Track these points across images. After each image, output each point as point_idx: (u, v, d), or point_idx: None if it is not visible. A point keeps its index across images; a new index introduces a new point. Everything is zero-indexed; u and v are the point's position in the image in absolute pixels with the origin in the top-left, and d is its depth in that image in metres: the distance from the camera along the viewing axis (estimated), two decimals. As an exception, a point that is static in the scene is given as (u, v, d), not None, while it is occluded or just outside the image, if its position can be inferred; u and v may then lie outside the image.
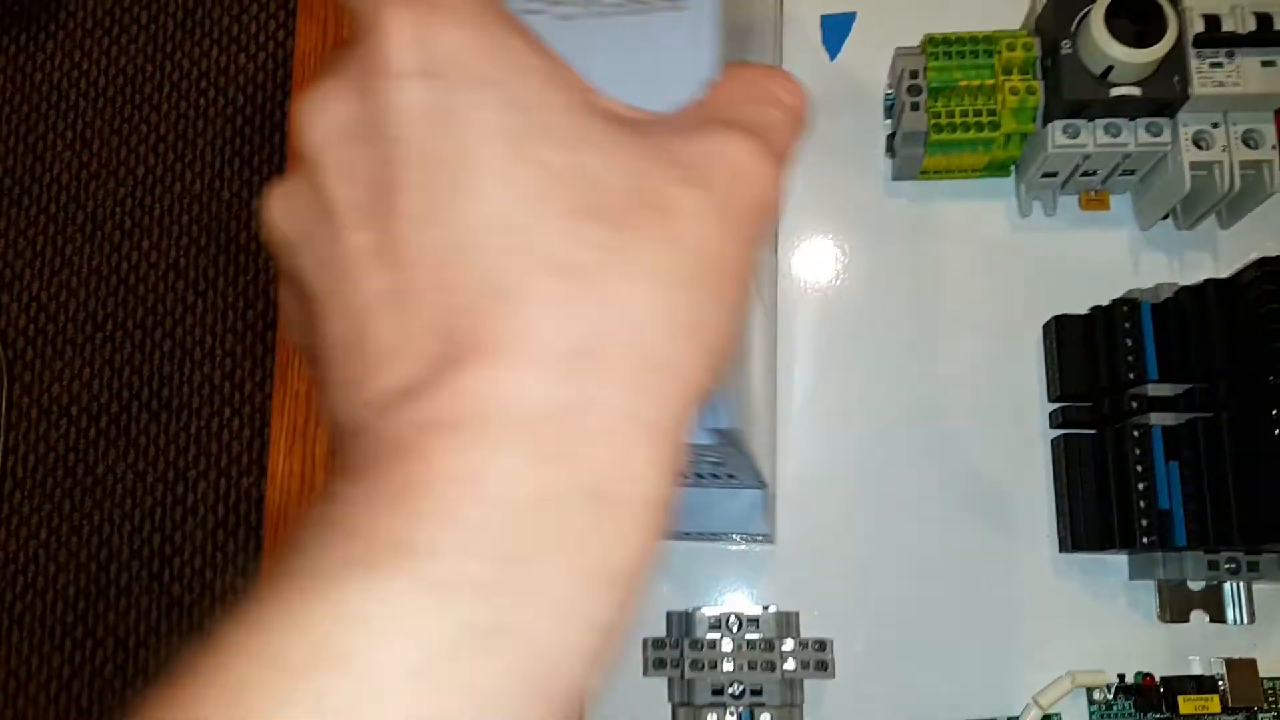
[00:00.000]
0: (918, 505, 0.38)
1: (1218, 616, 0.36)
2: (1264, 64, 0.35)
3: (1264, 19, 0.35)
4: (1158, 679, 0.36)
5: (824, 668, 0.35)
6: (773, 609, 0.36)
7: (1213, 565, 0.35)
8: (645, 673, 0.36)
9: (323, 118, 0.16)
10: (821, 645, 0.35)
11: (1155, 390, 0.35)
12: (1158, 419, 0.35)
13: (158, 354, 0.95)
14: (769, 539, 0.38)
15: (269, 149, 0.98)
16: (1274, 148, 0.36)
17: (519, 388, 0.14)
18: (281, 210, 0.17)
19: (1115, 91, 0.35)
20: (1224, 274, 0.40)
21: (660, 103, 0.21)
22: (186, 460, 0.93)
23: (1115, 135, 0.36)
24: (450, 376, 0.14)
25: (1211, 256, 0.40)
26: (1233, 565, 0.34)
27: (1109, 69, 0.34)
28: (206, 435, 0.94)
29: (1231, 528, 0.32)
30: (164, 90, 1.01)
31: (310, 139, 0.16)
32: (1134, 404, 0.35)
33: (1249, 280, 0.32)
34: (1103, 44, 0.34)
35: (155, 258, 0.98)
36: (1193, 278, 0.40)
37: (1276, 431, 0.31)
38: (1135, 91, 0.35)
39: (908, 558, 0.38)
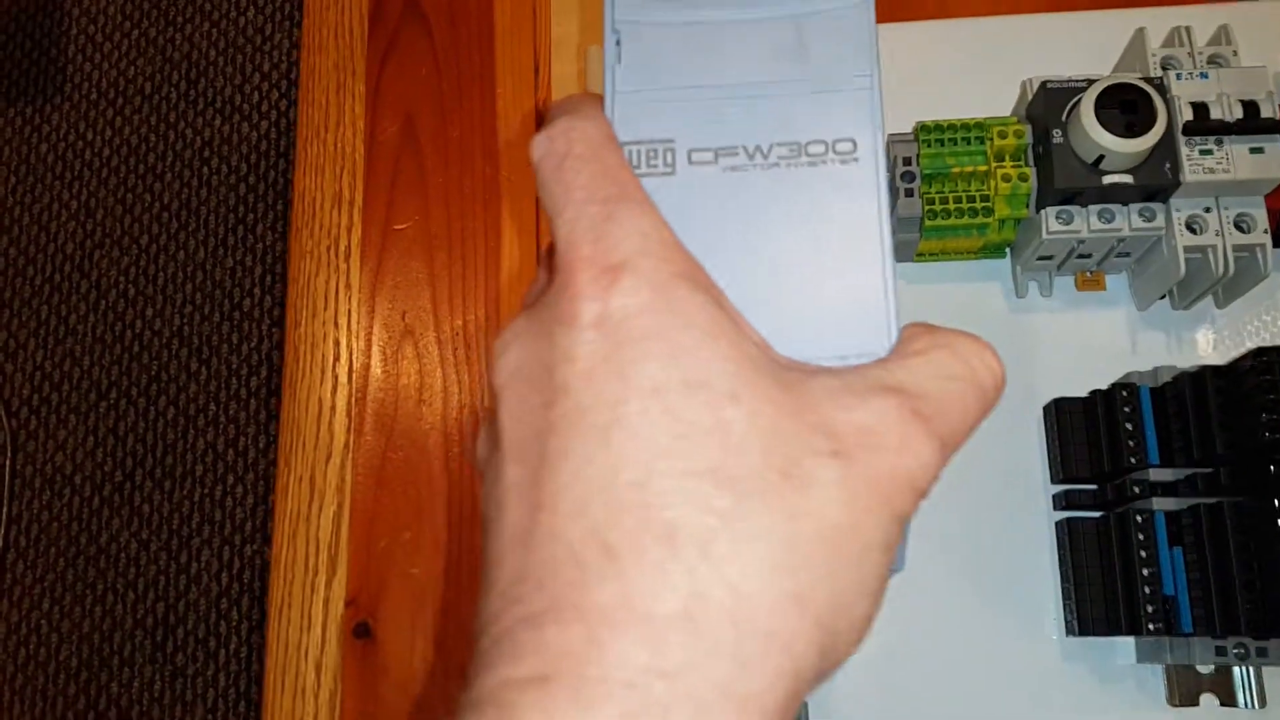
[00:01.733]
0: (922, 588, 0.38)
1: (1228, 700, 0.36)
2: (1252, 150, 0.35)
3: (1250, 106, 0.35)
4: (1170, 765, 0.36)
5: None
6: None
7: (1220, 651, 0.35)
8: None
9: (507, 356, 0.18)
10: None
11: (1157, 475, 0.35)
12: (1160, 504, 0.35)
13: (161, 421, 0.96)
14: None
15: (272, 215, 0.99)
16: (1266, 231, 0.36)
17: (613, 650, 0.14)
18: (480, 439, 0.19)
19: (1108, 179, 0.35)
20: (1221, 353, 0.40)
21: (830, 254, 0.22)
22: (190, 528, 0.93)
23: (1109, 221, 0.37)
24: (552, 629, 0.15)
25: (1209, 336, 0.40)
26: (1241, 650, 0.34)
27: (1101, 157, 0.35)
28: (210, 502, 0.94)
29: (1238, 617, 0.32)
30: (167, 159, 1.03)
31: (496, 375, 0.18)
32: (1135, 489, 0.35)
33: (1246, 369, 0.32)
34: (1094, 134, 0.34)
35: (159, 325, 0.99)
36: (1190, 357, 0.40)
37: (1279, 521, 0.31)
38: (1128, 179, 0.35)
39: (911, 641, 0.38)
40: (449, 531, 0.43)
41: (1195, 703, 0.36)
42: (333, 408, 0.45)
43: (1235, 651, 0.34)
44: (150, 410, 0.96)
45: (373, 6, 0.50)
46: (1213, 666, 0.36)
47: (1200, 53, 0.37)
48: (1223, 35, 0.38)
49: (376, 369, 0.45)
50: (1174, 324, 0.40)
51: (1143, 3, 0.45)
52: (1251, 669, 0.36)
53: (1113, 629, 0.36)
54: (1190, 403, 0.34)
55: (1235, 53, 0.37)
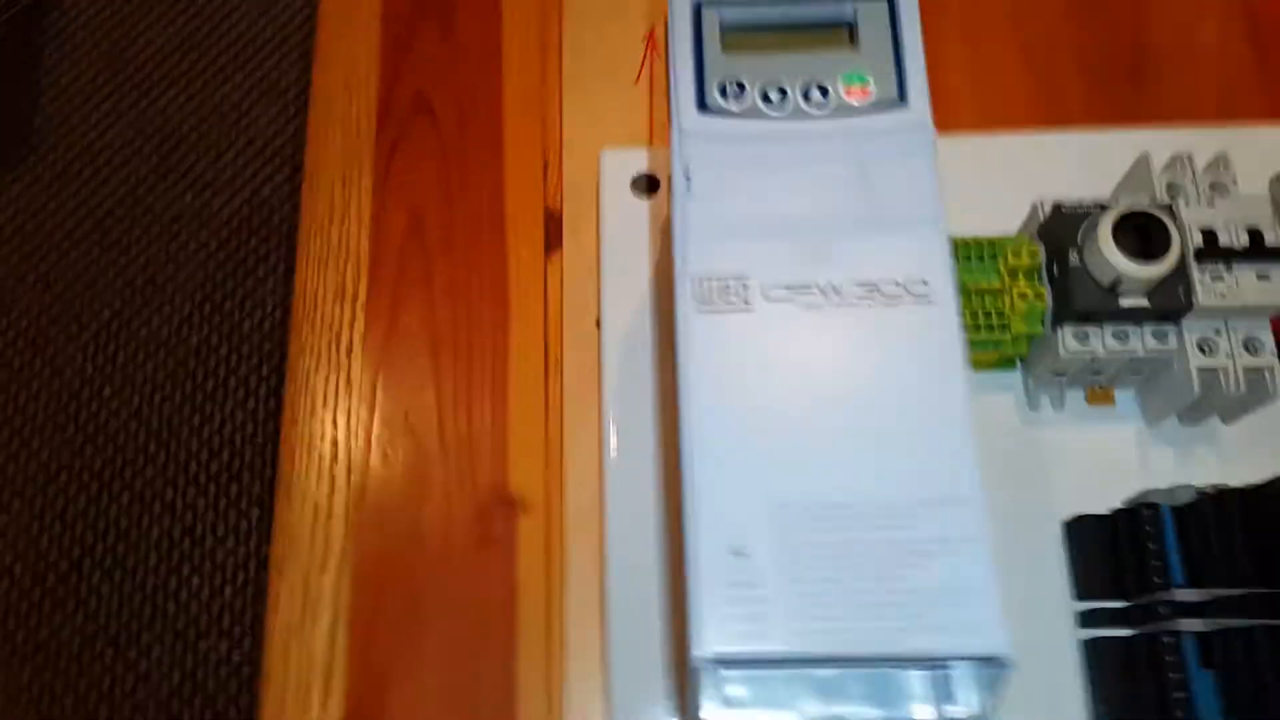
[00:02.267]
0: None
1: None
2: (1259, 277, 0.36)
3: (1255, 235, 0.37)
4: None
5: None
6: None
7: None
8: None
9: None
10: None
11: (1183, 595, 0.35)
12: (1187, 624, 0.35)
13: (114, 507, 0.92)
14: None
15: (241, 293, 0.98)
16: (1273, 354, 0.37)
17: None
18: None
19: (1125, 303, 0.36)
20: (1230, 468, 0.41)
21: (914, 395, 0.22)
22: (140, 622, 0.89)
23: (1124, 341, 0.37)
24: None
25: (1216, 452, 0.41)
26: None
27: (1117, 280, 0.36)
28: (163, 595, 0.90)
29: (1274, 745, 0.31)
30: (134, 234, 1.01)
31: None
32: (1161, 609, 0.35)
33: (1272, 494, 0.33)
34: (1112, 259, 0.35)
35: (116, 405, 0.96)
36: (1199, 472, 0.40)
37: (1312, 648, 0.31)
38: (1144, 303, 0.36)
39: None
40: (454, 643, 0.41)
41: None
42: (329, 513, 0.43)
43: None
44: (103, 495, 0.92)
45: (381, 101, 0.50)
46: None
47: (1200, 179, 0.39)
48: (1220, 162, 0.39)
49: (377, 470, 0.44)
50: (1183, 440, 0.41)
51: (1138, 121, 0.46)
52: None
53: (1141, 753, 0.35)
54: (1214, 525, 0.35)
55: (1234, 180, 0.39)
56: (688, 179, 0.23)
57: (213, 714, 0.85)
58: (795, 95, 0.24)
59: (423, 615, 0.41)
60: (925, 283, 0.23)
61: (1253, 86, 0.49)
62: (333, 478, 0.44)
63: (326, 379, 0.45)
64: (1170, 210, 0.37)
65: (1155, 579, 0.35)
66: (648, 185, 0.44)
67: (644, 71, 0.48)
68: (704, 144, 0.24)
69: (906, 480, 0.21)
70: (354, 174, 0.49)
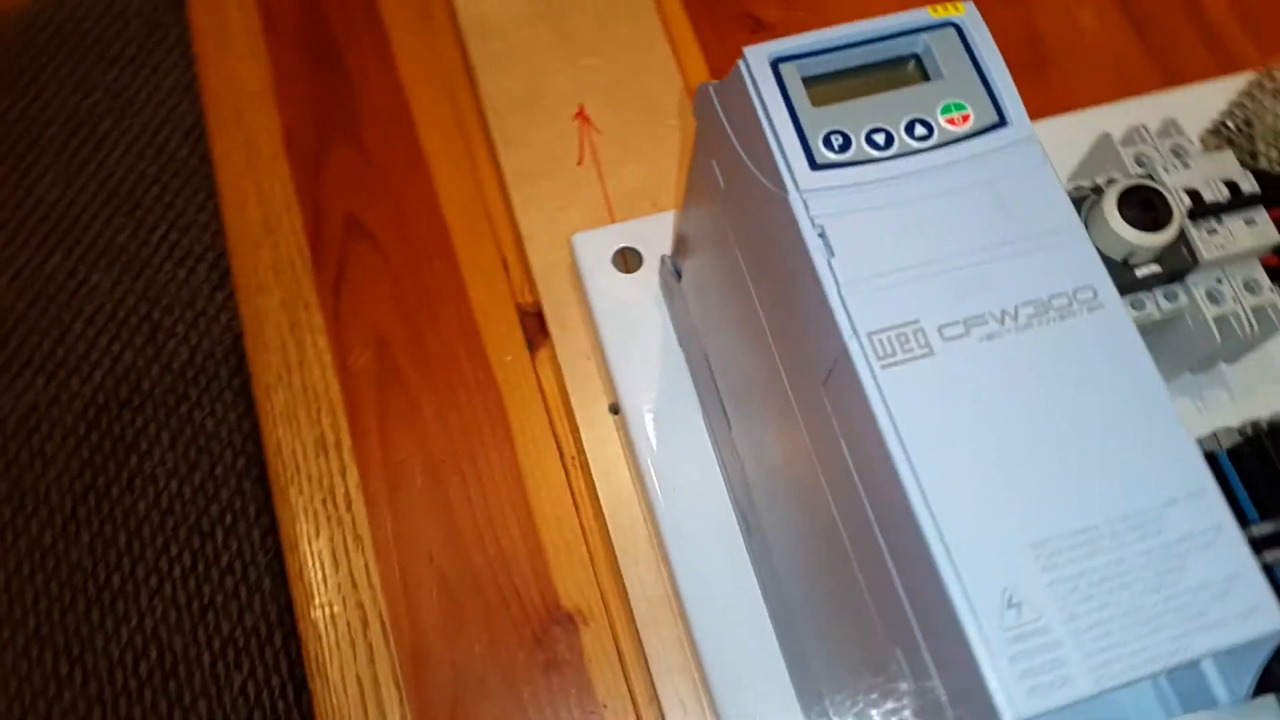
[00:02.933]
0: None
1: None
2: (1247, 223, 0.38)
3: (1232, 185, 0.39)
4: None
5: None
6: None
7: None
8: None
9: None
10: None
11: (1259, 530, 0.36)
12: (1272, 557, 0.36)
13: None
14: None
15: (127, 475, 0.89)
16: (1271, 289, 0.39)
17: None
18: None
19: (1140, 273, 0.37)
20: (1244, 405, 0.43)
21: (1116, 400, 0.20)
22: None
23: (1141, 309, 0.38)
24: None
25: (1227, 393, 0.43)
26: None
27: (1130, 253, 0.37)
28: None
29: None
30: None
31: None
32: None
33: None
34: (1124, 234, 0.36)
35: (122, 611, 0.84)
36: (1217, 414, 0.42)
37: None
38: (1156, 269, 0.37)
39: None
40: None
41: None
42: (375, 681, 0.39)
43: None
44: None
45: (310, 234, 0.47)
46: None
47: (1160, 145, 0.41)
48: (1171, 127, 0.42)
49: (416, 623, 0.40)
50: (1194, 387, 0.42)
51: (1050, 111, 0.49)
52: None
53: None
54: (1273, 456, 0.36)
55: (1190, 141, 0.41)
56: (823, 238, 0.22)
57: None
58: (900, 134, 0.23)
59: (514, 768, 0.38)
60: (1092, 290, 0.22)
61: (1139, 60, 0.52)
62: (369, 644, 0.39)
63: (331, 539, 0.41)
64: (1153, 179, 0.38)
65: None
66: (627, 262, 0.43)
67: (584, 151, 0.47)
68: (828, 200, 0.22)
69: (1142, 487, 0.21)
70: (301, 315, 0.45)
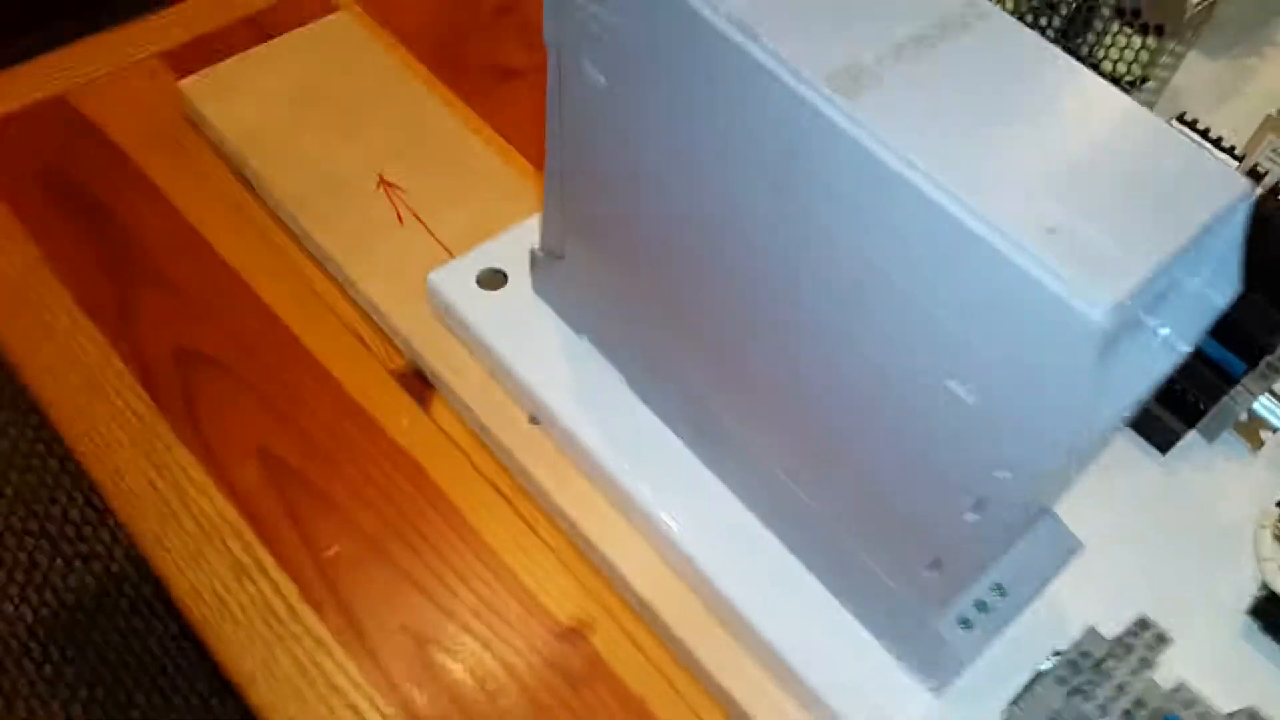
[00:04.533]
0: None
1: None
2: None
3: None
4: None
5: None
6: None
7: None
8: None
9: None
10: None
11: None
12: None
13: None
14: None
15: None
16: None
17: None
18: None
19: None
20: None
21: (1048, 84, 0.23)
22: None
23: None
24: None
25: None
26: None
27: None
28: None
29: None
30: None
31: None
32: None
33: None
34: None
35: None
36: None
37: None
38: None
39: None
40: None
41: None
42: (401, 780, 0.34)
43: None
44: None
45: (140, 375, 0.42)
46: None
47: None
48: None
49: (418, 701, 0.36)
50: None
51: None
52: None
53: None
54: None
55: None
56: (740, 25, 0.24)
57: None
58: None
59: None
60: (972, 3, 0.25)
61: None
62: (379, 745, 0.35)
63: (296, 660, 0.36)
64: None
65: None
66: (492, 280, 0.43)
67: (400, 212, 0.47)
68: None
69: (1107, 136, 0.24)
70: (166, 458, 0.40)
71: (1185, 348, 0.27)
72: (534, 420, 0.41)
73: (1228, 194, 0.23)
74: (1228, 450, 0.43)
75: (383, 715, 0.35)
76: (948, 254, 0.23)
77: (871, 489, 0.31)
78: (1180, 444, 0.42)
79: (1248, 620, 0.38)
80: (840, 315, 0.27)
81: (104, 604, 0.92)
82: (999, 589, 0.33)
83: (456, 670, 0.36)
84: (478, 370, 0.42)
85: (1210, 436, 0.42)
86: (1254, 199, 0.24)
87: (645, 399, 0.40)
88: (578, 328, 0.41)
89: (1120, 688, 0.31)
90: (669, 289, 0.35)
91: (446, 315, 0.43)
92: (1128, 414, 0.27)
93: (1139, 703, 0.31)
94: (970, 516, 0.28)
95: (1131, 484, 0.41)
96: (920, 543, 0.30)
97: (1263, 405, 0.43)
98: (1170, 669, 0.33)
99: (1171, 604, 0.37)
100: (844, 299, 0.27)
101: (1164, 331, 0.27)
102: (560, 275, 0.41)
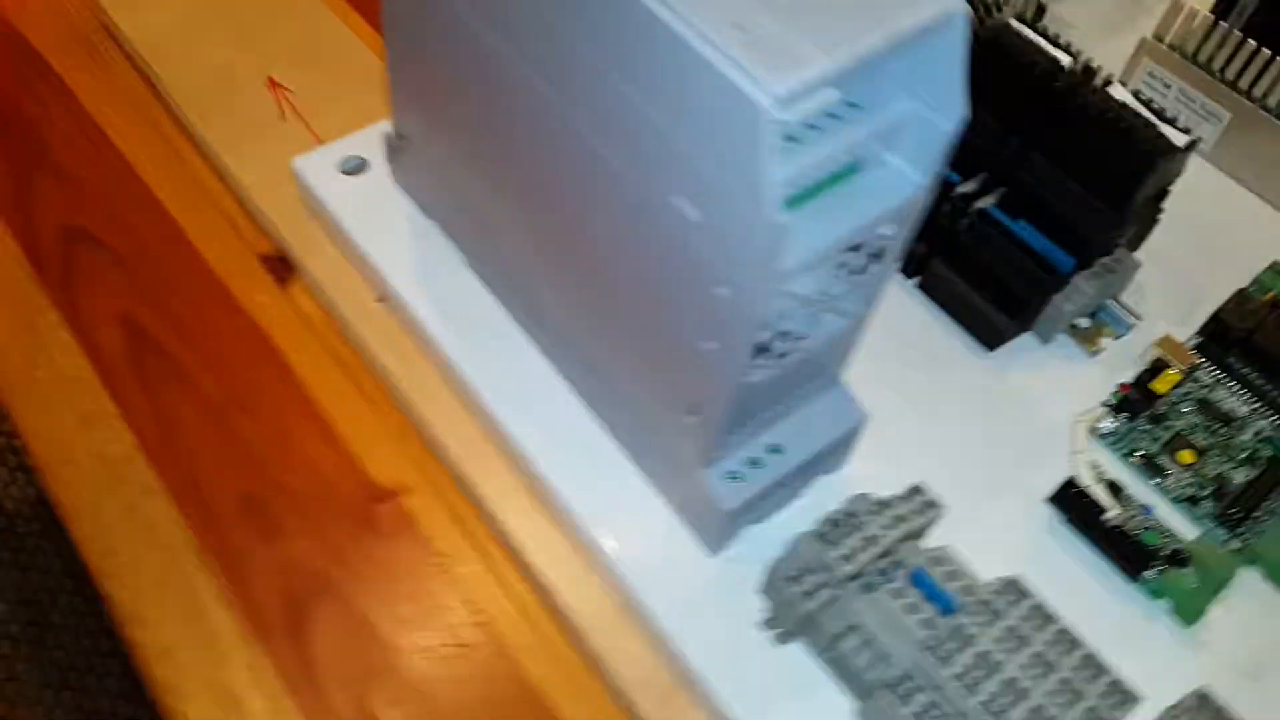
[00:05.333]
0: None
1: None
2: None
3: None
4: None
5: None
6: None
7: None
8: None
9: None
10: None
11: (963, 188, 0.41)
12: (984, 202, 0.41)
13: None
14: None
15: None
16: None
17: None
18: None
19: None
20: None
21: None
22: None
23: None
24: None
25: None
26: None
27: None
28: None
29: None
30: None
31: None
32: (958, 205, 0.41)
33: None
34: None
35: None
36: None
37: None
38: None
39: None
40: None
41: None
42: (200, 609, 0.36)
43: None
44: None
45: (26, 247, 0.45)
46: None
47: None
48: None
49: (222, 539, 0.37)
50: None
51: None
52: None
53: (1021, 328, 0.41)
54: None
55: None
56: None
57: None
58: None
59: (374, 629, 0.36)
60: None
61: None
62: (187, 576, 0.37)
63: (119, 497, 0.38)
64: None
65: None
66: (354, 167, 0.45)
67: (284, 109, 0.49)
68: None
69: None
70: (37, 319, 0.43)
71: (919, 177, 0.27)
72: (381, 299, 0.43)
73: (938, 7, 0.24)
74: (1065, 353, 0.43)
75: (195, 552, 0.37)
76: (651, 53, 0.24)
77: (636, 328, 0.32)
78: (1017, 346, 0.43)
79: (1052, 514, 0.38)
80: (593, 138, 0.28)
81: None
82: (776, 449, 0.34)
83: (273, 515, 0.38)
84: (333, 251, 0.44)
85: (1044, 337, 0.42)
86: (968, 16, 0.25)
87: (481, 277, 0.41)
88: (428, 212, 0.43)
89: (870, 539, 0.31)
90: (478, 152, 0.36)
91: (309, 199, 0.45)
92: (861, 244, 0.27)
93: (887, 554, 0.32)
94: (707, 345, 0.29)
95: (959, 379, 0.42)
96: (678, 383, 0.31)
97: (1108, 312, 0.43)
98: (961, 551, 0.34)
99: (978, 490, 0.38)
100: (593, 120, 0.28)
101: (893, 160, 0.27)
102: (408, 158, 0.42)
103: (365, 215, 0.43)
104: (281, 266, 0.45)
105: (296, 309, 0.44)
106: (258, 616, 0.36)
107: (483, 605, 0.37)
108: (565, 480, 0.36)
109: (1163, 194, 0.42)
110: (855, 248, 0.27)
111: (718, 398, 0.31)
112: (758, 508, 0.35)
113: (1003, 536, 0.37)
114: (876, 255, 0.28)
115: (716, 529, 0.34)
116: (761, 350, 0.28)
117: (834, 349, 0.33)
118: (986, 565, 0.32)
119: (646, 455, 0.36)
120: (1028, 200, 0.40)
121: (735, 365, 0.29)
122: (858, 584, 0.31)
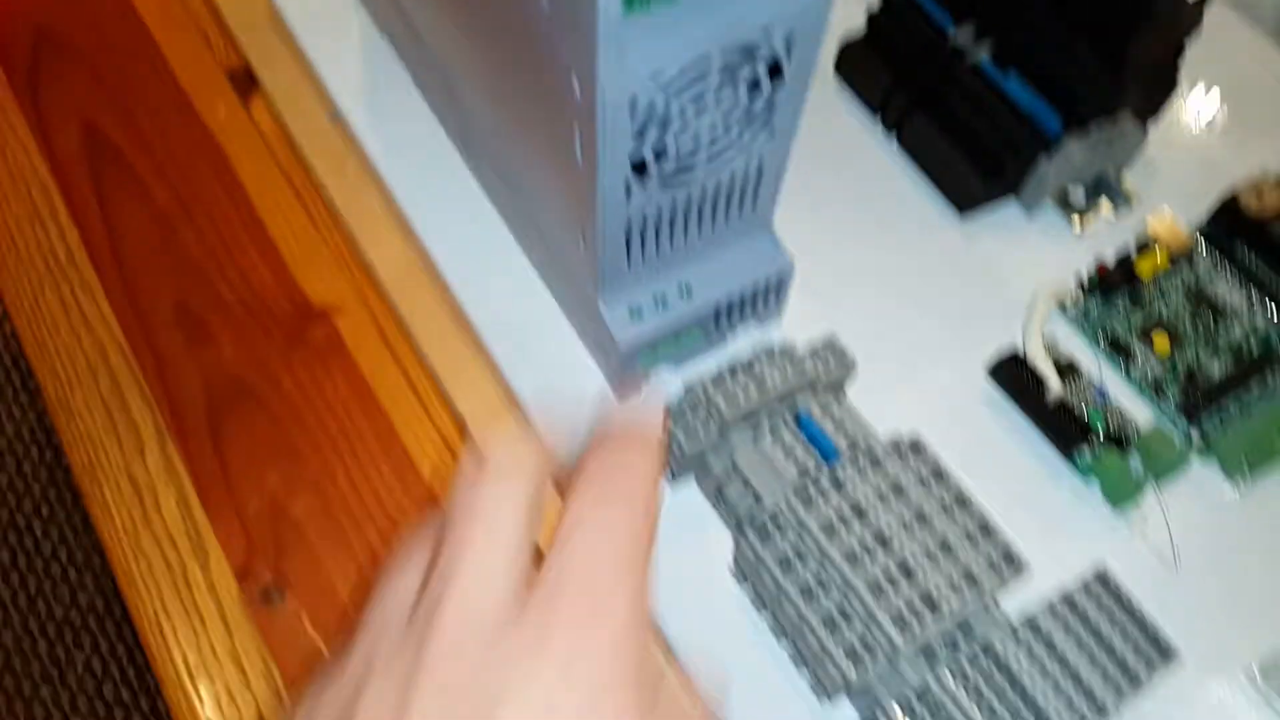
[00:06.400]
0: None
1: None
2: None
3: None
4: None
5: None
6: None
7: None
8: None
9: (389, 596, 0.18)
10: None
11: (960, 40, 0.38)
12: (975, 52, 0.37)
13: None
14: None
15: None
16: None
17: None
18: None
19: None
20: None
21: None
22: None
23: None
24: None
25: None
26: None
27: None
28: None
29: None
30: None
31: (369, 614, 0.18)
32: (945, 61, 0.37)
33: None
34: None
35: None
36: None
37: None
38: None
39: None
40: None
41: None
42: (124, 405, 0.37)
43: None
44: None
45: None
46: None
47: None
48: None
49: (151, 347, 0.38)
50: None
51: None
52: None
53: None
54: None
55: None
56: None
57: None
58: None
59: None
60: None
61: None
62: (111, 371, 0.37)
63: (59, 291, 0.39)
64: None
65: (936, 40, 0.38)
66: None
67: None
68: None
69: None
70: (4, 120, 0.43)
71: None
72: (333, 117, 0.42)
73: None
74: (1050, 229, 0.39)
75: (123, 351, 0.38)
76: None
77: (534, 141, 0.30)
78: (998, 218, 0.39)
79: (994, 388, 0.35)
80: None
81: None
82: (686, 290, 0.32)
83: (204, 324, 0.38)
84: (293, 68, 0.43)
85: (1029, 206, 0.39)
86: None
87: (422, 92, 0.40)
88: (380, 26, 0.41)
89: (760, 378, 0.30)
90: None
91: (274, 14, 0.43)
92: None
93: (786, 400, 0.30)
94: (581, 157, 0.27)
95: (926, 242, 0.39)
96: (572, 206, 0.30)
97: (1105, 185, 0.39)
98: (862, 409, 0.32)
99: (920, 354, 0.36)
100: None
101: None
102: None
103: (324, 32, 0.42)
104: (247, 82, 0.44)
105: (256, 124, 0.43)
106: (179, 417, 0.37)
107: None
108: (479, 310, 0.35)
109: (1178, 52, 0.37)
110: (743, 57, 0.25)
111: (598, 219, 0.29)
112: (669, 349, 0.33)
113: (936, 402, 0.35)
114: (775, 72, 0.26)
115: (617, 365, 0.33)
116: (639, 169, 0.26)
117: (745, 186, 0.30)
118: (909, 427, 0.30)
119: (559, 285, 0.35)
120: (1019, 50, 0.36)
121: (610, 182, 0.27)
122: (748, 428, 0.30)
